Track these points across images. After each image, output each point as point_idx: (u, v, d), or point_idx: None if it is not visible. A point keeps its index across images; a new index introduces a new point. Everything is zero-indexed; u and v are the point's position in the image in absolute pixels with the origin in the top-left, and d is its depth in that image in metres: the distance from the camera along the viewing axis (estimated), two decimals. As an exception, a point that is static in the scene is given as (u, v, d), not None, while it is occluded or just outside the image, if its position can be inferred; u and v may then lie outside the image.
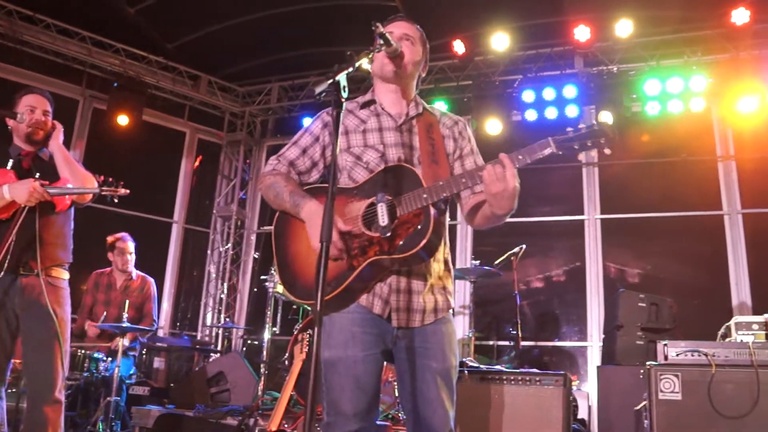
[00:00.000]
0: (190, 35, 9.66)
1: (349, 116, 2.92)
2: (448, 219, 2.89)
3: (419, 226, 2.59)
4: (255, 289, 10.32)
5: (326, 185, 2.74)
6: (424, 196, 2.60)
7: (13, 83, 9.15)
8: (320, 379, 2.21)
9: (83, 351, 6.19)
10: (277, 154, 3.00)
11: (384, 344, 2.74)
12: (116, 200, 3.95)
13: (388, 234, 2.62)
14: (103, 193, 3.93)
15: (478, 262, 6.84)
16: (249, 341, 9.96)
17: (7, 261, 3.83)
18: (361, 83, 8.33)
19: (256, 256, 10.61)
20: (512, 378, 4.52)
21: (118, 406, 5.89)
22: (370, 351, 2.70)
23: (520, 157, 2.55)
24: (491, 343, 8.60)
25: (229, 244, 10.53)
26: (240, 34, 9.36)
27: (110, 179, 3.96)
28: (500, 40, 8.70)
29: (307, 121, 9.47)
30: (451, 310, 2.85)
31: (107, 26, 9.37)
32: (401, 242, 2.60)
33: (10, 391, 4.07)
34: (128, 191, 3.97)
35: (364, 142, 2.86)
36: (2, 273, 3.82)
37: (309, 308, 6.85)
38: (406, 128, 2.90)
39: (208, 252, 10.67)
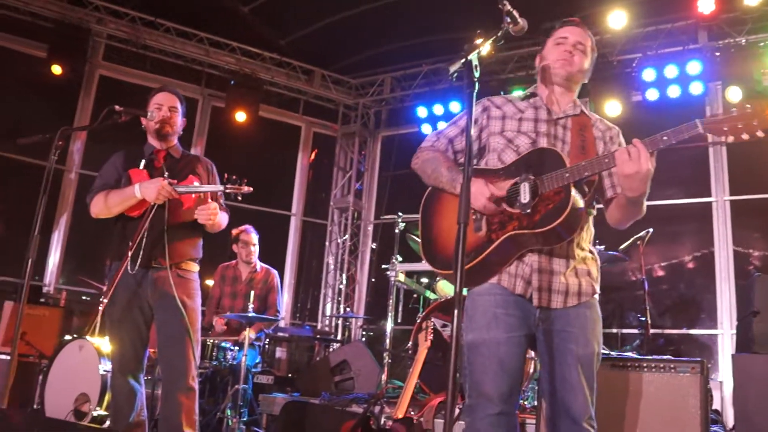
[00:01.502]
0: (303, 30, 9.87)
1: (509, 104, 3.00)
2: (588, 215, 2.88)
3: (559, 203, 2.61)
4: (373, 279, 10.45)
5: (477, 167, 2.97)
6: (566, 175, 2.63)
7: (136, 86, 9.74)
8: (461, 364, 2.21)
9: (211, 341, 6.37)
10: (437, 130, 3.10)
11: (527, 327, 2.74)
12: (239, 198, 3.96)
13: (528, 210, 2.65)
14: (227, 190, 3.96)
15: (602, 247, 6.61)
16: (368, 331, 10.05)
17: (139, 256, 3.95)
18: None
19: (374, 247, 10.68)
20: (645, 365, 4.32)
21: (245, 393, 6.00)
22: (513, 333, 2.71)
23: (665, 137, 2.51)
24: (614, 331, 8.35)
25: (347, 236, 10.63)
26: (351, 26, 9.43)
27: (234, 177, 3.98)
28: (617, 18, 8.36)
29: (421, 111, 9.54)
30: (596, 296, 2.82)
31: (223, 26, 9.71)
32: (539, 218, 2.63)
33: (145, 378, 4.18)
34: (251, 189, 3.95)
35: (518, 128, 2.92)
36: (136, 268, 3.95)
37: (431, 297, 6.84)
38: (561, 123, 2.92)
39: (326, 243, 10.79)
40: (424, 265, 7.18)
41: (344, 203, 10.77)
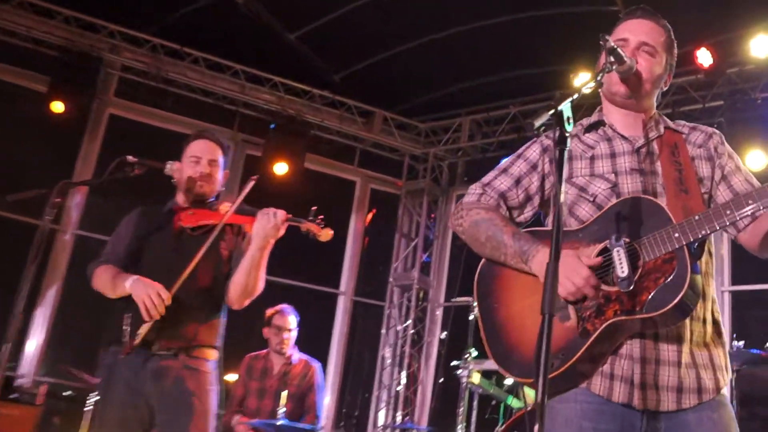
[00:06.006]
0: (361, 63, 9.98)
1: (573, 140, 2.90)
2: (711, 265, 2.77)
3: (671, 276, 2.47)
4: (441, 380, 10.15)
5: (547, 228, 2.87)
6: (676, 235, 2.50)
7: (153, 129, 9.98)
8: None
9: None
10: (481, 181, 3.00)
11: None
12: (318, 236, 4.02)
13: (631, 288, 2.51)
14: (303, 227, 4.02)
15: (741, 343, 6.36)
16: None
17: (139, 339, 3.92)
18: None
19: (443, 337, 10.38)
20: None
21: None
22: None
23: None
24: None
25: (409, 321, 10.43)
26: (421, 58, 9.57)
27: (319, 217, 4.06)
28: (762, 45, 8.17)
29: (508, 163, 9.42)
30: (724, 392, 2.66)
31: (263, 57, 9.88)
32: (649, 297, 2.48)
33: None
34: (331, 233, 4.05)
35: (591, 170, 2.83)
36: (133, 355, 3.93)
37: (515, 405, 6.66)
38: (645, 151, 2.84)
39: (383, 331, 10.61)
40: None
41: (407, 280, 10.59)
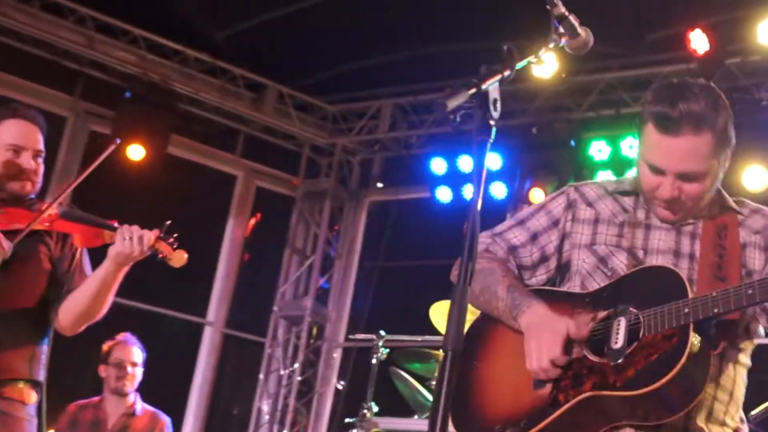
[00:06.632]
0: (253, 20, 9.97)
1: (606, 200, 3.16)
2: (738, 366, 2.93)
3: (665, 353, 2.64)
4: (335, 444, 9.97)
5: (561, 290, 3.15)
6: (685, 311, 2.66)
7: None
8: None
9: None
10: (492, 230, 3.24)
11: None
12: (168, 259, 4.11)
13: (620, 361, 2.69)
14: (153, 248, 4.01)
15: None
16: None
17: None
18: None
19: (340, 386, 10.30)
20: None
21: None
22: None
23: None
24: None
25: (297, 365, 10.43)
26: (333, 19, 9.59)
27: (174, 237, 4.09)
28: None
29: (438, 164, 9.35)
30: None
31: (120, 2, 9.91)
32: (634, 373, 2.65)
33: None
34: (185, 256, 4.14)
35: (618, 240, 3.03)
36: None
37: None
38: (687, 230, 3.01)
39: (261, 376, 10.62)
40: (415, 423, 6.95)
41: (297, 310, 10.60)
